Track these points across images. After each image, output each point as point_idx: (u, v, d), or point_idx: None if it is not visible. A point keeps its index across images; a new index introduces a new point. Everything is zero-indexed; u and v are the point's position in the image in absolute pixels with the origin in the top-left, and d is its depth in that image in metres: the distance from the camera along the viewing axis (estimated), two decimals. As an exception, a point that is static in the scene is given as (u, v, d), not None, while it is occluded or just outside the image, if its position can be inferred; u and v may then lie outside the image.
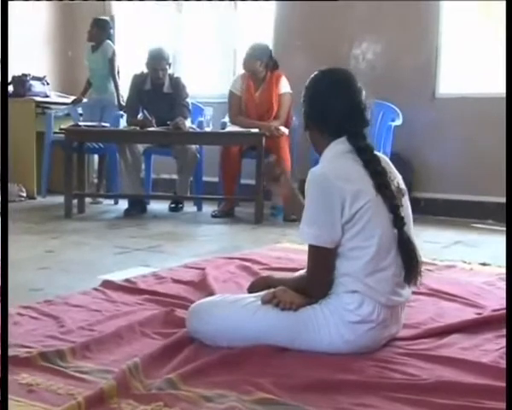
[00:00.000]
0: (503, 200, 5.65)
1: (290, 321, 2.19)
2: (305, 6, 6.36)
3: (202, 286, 3.04)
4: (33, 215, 5.67)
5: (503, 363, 2.15)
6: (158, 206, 6.16)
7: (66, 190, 5.55)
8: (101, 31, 6.59)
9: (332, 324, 2.17)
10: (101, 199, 6.59)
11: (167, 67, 5.90)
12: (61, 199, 6.03)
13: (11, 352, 2.13)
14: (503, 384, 1.93)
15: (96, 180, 7.07)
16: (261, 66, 5.79)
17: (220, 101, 6.42)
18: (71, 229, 4.94)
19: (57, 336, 2.34)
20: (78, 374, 1.99)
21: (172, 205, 6.05)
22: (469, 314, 2.74)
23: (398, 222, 2.22)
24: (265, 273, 3.30)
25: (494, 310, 2.74)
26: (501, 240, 4.87)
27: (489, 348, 2.32)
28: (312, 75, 2.38)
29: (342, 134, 2.26)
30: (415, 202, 5.89)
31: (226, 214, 5.76)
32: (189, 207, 6.14)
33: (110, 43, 6.65)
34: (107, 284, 3.06)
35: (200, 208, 6.09)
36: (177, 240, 4.63)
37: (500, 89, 5.73)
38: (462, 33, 6.06)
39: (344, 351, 2.18)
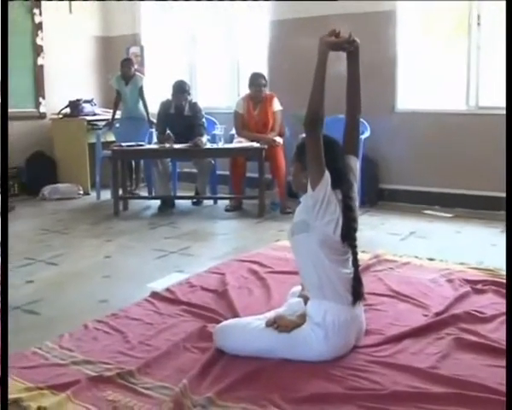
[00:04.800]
0: (446, 190, 5.97)
1: (286, 339, 2.45)
2: (292, 41, 6.50)
3: (224, 295, 3.28)
4: (89, 214, 5.90)
5: (439, 367, 2.43)
6: (184, 201, 6.32)
7: (115, 194, 5.80)
8: (129, 68, 6.77)
9: (314, 338, 2.43)
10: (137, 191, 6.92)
11: (188, 96, 6.07)
12: (108, 194, 6.31)
13: (97, 369, 2.41)
14: (439, 389, 2.24)
15: (134, 175, 7.26)
16: (265, 89, 6.00)
17: (228, 111, 6.59)
18: (120, 230, 5.11)
19: (125, 352, 2.60)
20: (144, 390, 2.25)
21: (194, 201, 6.28)
22: (418, 316, 2.99)
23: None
24: (270, 276, 3.62)
25: (436, 313, 2.99)
26: (444, 227, 5.17)
27: (430, 351, 2.57)
28: None
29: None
30: (380, 192, 6.26)
31: (236, 208, 5.98)
32: (208, 201, 6.33)
33: (140, 76, 6.87)
34: (155, 296, 3.29)
35: (215, 202, 6.31)
36: (200, 240, 4.77)
37: (442, 106, 5.99)
38: (412, 58, 6.17)
39: (328, 356, 2.44)
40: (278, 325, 2.47)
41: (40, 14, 7.04)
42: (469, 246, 4.48)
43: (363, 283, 2.54)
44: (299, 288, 2.86)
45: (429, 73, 6.15)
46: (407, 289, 3.40)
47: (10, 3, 6.31)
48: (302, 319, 2.51)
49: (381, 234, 4.90)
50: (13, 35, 6.35)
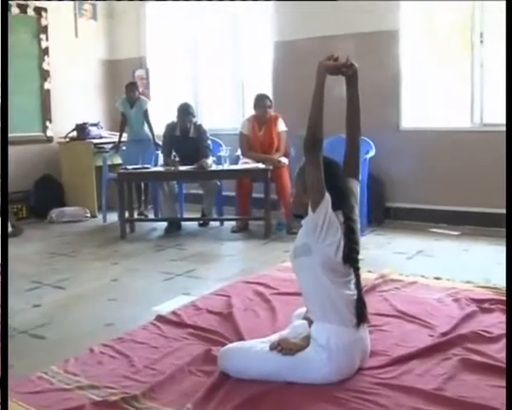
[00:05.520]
0: (453, 207, 5.96)
1: (290, 362, 2.44)
2: (295, 64, 6.55)
3: (230, 318, 3.28)
4: (96, 237, 5.92)
5: (445, 388, 2.42)
6: (190, 222, 6.31)
7: (121, 217, 5.81)
8: (134, 91, 6.85)
9: (318, 360, 2.42)
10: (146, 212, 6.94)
11: (192, 118, 6.11)
12: (115, 216, 6.32)
13: (101, 394, 2.41)
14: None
15: (143, 197, 7.27)
16: (270, 110, 6.04)
17: (233, 133, 6.62)
18: (126, 252, 5.12)
19: (130, 377, 2.60)
20: (148, 416, 2.27)
21: (201, 222, 6.30)
22: (424, 337, 2.97)
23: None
24: (275, 298, 3.62)
25: (443, 333, 2.99)
26: (451, 245, 5.16)
27: (436, 372, 2.56)
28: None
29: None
30: (386, 211, 6.26)
31: (243, 229, 5.99)
32: (214, 222, 6.33)
33: (144, 99, 6.95)
34: (160, 319, 3.29)
35: (222, 224, 6.31)
36: (207, 262, 4.77)
37: (447, 123, 6.00)
38: (416, 76, 6.19)
39: (332, 378, 2.43)
40: (282, 347, 2.46)
41: (46, 39, 7.14)
42: (476, 264, 4.47)
43: (366, 305, 2.54)
44: (303, 310, 2.85)
45: (433, 91, 6.17)
46: (413, 309, 3.38)
47: (16, 28, 6.43)
48: (306, 341, 2.50)
49: (387, 253, 4.89)
50: (20, 60, 6.49)
